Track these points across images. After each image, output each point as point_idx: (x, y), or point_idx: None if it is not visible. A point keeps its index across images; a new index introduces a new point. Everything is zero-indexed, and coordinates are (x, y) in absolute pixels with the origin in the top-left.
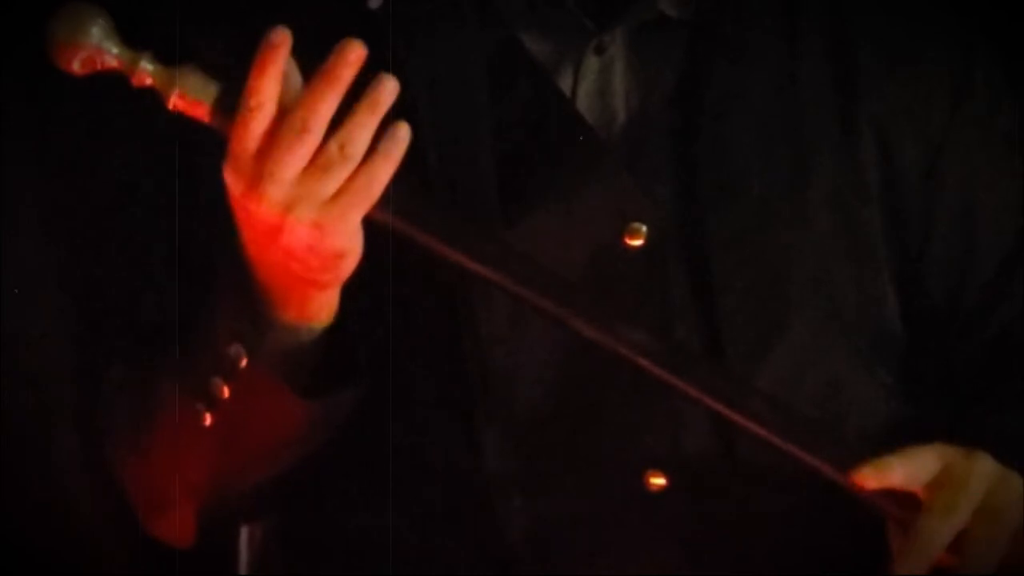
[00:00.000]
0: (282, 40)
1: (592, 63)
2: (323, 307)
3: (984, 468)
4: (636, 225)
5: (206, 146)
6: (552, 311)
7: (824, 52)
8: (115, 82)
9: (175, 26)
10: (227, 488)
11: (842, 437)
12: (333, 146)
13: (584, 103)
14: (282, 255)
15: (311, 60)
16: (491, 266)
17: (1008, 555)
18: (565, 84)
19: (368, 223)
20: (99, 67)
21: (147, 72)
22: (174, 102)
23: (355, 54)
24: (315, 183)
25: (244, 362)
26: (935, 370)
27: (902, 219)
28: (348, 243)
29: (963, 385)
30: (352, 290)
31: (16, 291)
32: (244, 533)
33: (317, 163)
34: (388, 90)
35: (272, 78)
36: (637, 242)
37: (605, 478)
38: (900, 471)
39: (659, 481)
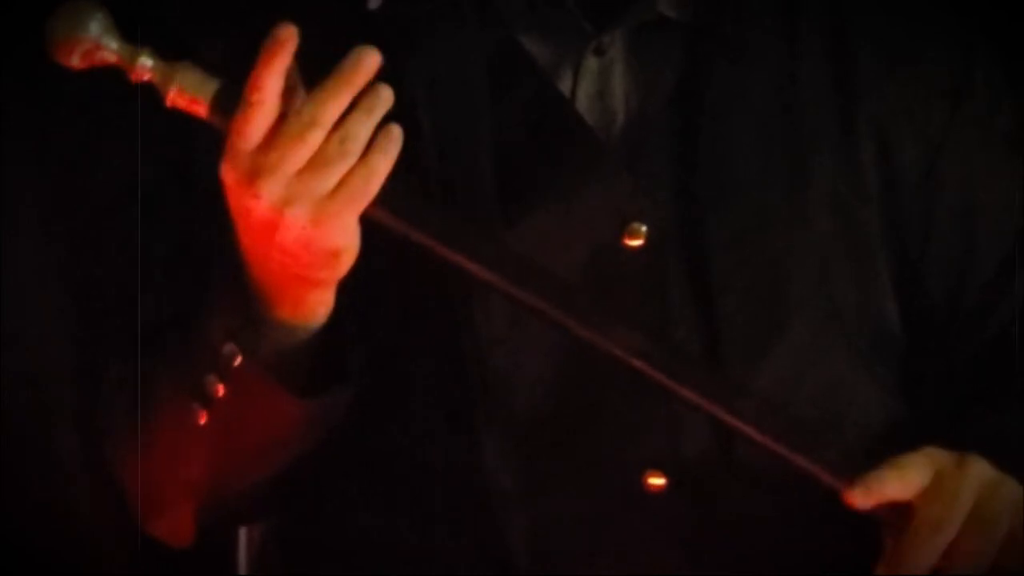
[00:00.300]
0: (289, 36)
1: (591, 64)
2: (318, 306)
3: (975, 476)
4: (636, 226)
5: (204, 144)
6: (548, 313)
7: (824, 52)
8: (114, 82)
9: (174, 25)
10: (225, 488)
11: (838, 441)
12: (333, 142)
13: (583, 104)
14: (278, 252)
15: (310, 60)
16: (487, 267)
17: (1002, 559)
18: (564, 85)
19: (366, 222)
20: (97, 61)
21: (146, 67)
22: (172, 98)
23: (373, 61)
24: (313, 179)
25: (238, 361)
26: (935, 370)
27: (902, 219)
28: (344, 241)
29: (963, 385)
30: (350, 289)
31: (13, 291)
32: (242, 534)
33: (316, 159)
34: (383, 99)
35: (277, 73)
36: (637, 243)
37: (604, 478)
38: (890, 486)
39: (658, 482)
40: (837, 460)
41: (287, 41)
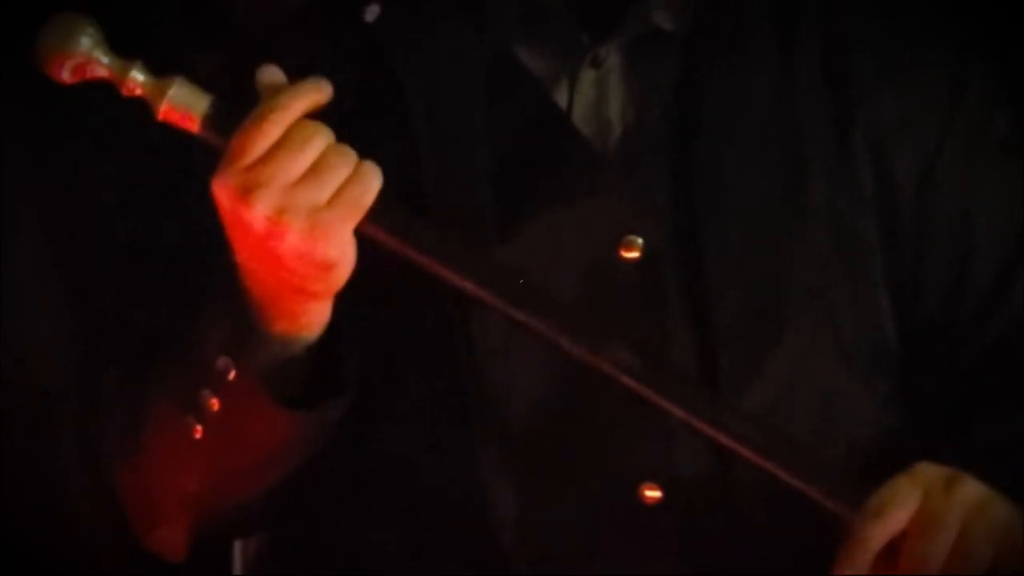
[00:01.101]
0: (328, 93)
1: (588, 76)
2: (314, 319)
3: (962, 500)
4: (632, 238)
5: (201, 156)
6: (540, 330)
7: (820, 62)
8: (113, 90)
9: (172, 36)
10: (221, 501)
11: (832, 452)
12: (328, 154)
13: (580, 116)
14: (274, 265)
15: (308, 72)
16: (478, 284)
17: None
18: (561, 98)
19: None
20: (88, 76)
21: (137, 82)
22: (164, 113)
23: None
24: (308, 190)
25: (232, 375)
26: (931, 380)
27: (899, 227)
28: (340, 253)
29: (961, 394)
30: (346, 301)
31: (13, 296)
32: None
33: (311, 170)
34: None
35: (305, 107)
36: (633, 255)
37: (600, 490)
38: (876, 539)
39: (654, 494)
40: (831, 481)
41: (325, 95)
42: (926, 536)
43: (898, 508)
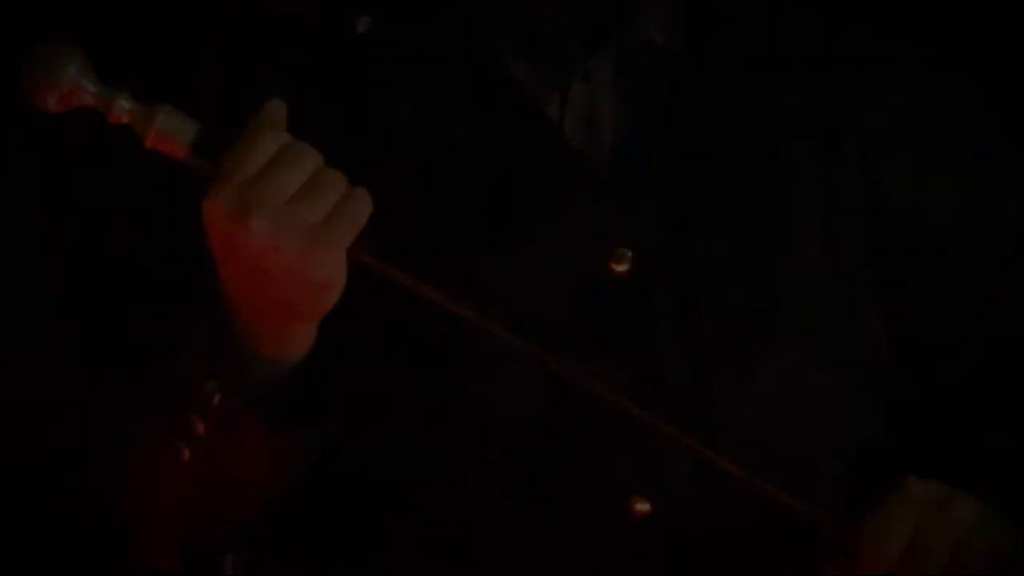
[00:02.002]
0: None
1: (580, 89)
2: (303, 340)
3: (957, 521)
4: (622, 251)
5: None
6: (529, 352)
7: (810, 73)
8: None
9: (167, 46)
10: (210, 520)
11: (823, 465)
12: (320, 174)
13: (571, 129)
14: (264, 285)
15: (299, 82)
16: (467, 308)
17: None
18: (552, 110)
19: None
20: (75, 105)
21: (124, 110)
22: (151, 140)
23: None
24: (303, 208)
25: (217, 399)
26: (923, 390)
27: (889, 236)
28: (333, 274)
29: (952, 405)
30: (337, 319)
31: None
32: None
33: (305, 188)
34: None
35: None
36: (623, 267)
37: (591, 504)
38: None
39: (644, 507)
40: (820, 498)
41: None
42: (918, 560)
43: (894, 539)
